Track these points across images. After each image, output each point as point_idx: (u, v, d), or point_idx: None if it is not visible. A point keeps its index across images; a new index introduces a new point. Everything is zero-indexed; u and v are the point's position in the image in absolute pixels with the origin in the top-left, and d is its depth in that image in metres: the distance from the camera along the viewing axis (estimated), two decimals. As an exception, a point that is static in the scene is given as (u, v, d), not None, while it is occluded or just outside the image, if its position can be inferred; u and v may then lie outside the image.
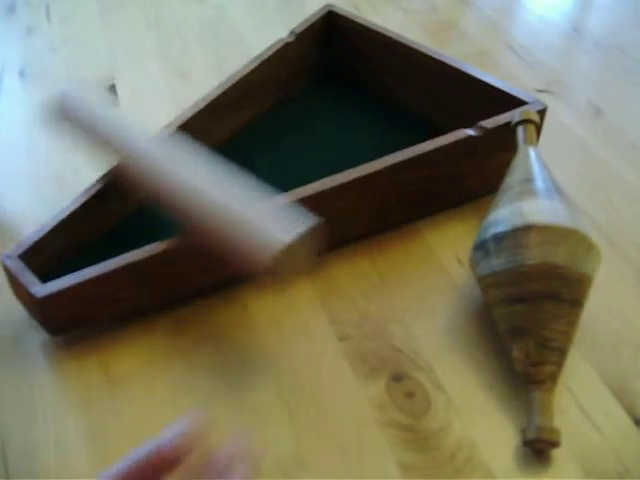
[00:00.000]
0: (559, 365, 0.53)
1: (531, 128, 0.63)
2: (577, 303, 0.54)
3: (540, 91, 0.86)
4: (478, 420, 0.54)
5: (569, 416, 0.54)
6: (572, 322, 0.53)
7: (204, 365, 0.58)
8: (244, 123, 0.79)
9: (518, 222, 0.54)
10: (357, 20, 0.81)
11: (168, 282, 0.60)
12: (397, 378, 0.56)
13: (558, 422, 0.53)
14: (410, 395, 0.55)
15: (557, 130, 0.81)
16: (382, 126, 0.78)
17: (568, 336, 0.53)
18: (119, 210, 0.67)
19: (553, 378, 0.52)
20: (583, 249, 0.54)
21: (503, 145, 0.67)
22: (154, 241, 0.58)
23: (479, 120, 0.66)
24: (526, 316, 0.53)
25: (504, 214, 0.56)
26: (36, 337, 0.60)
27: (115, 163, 0.62)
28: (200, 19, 1.04)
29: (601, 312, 0.61)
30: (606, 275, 0.64)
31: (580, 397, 0.55)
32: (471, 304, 0.62)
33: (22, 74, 0.93)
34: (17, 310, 0.61)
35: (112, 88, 0.90)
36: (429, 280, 0.64)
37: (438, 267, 0.65)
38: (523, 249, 0.54)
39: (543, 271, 0.53)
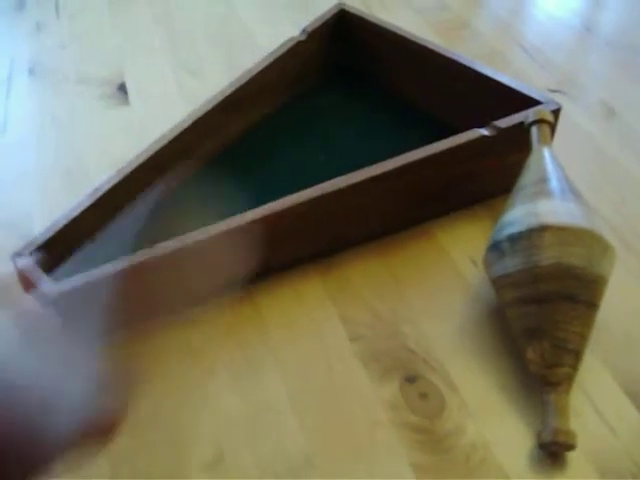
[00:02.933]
0: (574, 367, 0.52)
1: (545, 128, 0.63)
2: (592, 304, 0.53)
3: (552, 91, 0.86)
4: (492, 421, 0.53)
5: (584, 417, 0.53)
6: (587, 323, 0.53)
7: (214, 363, 0.58)
8: (257, 120, 0.79)
9: (533, 223, 0.54)
10: (369, 19, 0.80)
11: (178, 282, 0.60)
12: (411, 379, 0.56)
13: (573, 423, 0.52)
14: (424, 396, 0.55)
15: (570, 130, 0.80)
16: (394, 125, 0.78)
17: (583, 337, 0.53)
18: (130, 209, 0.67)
19: (569, 380, 0.52)
20: (599, 250, 0.53)
21: (517, 145, 0.66)
22: (165, 240, 0.58)
23: (493, 119, 0.65)
24: (541, 317, 0.52)
25: (519, 214, 0.56)
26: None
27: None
28: (209, 16, 1.04)
29: (616, 313, 0.60)
30: (620, 276, 0.63)
31: (595, 398, 0.54)
32: (485, 305, 0.61)
33: (31, 71, 0.93)
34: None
35: (122, 85, 0.90)
36: (442, 280, 0.64)
37: (451, 267, 0.65)
38: (538, 249, 0.53)
39: (559, 272, 0.52)
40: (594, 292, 0.53)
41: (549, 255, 0.53)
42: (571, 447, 0.50)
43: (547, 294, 0.52)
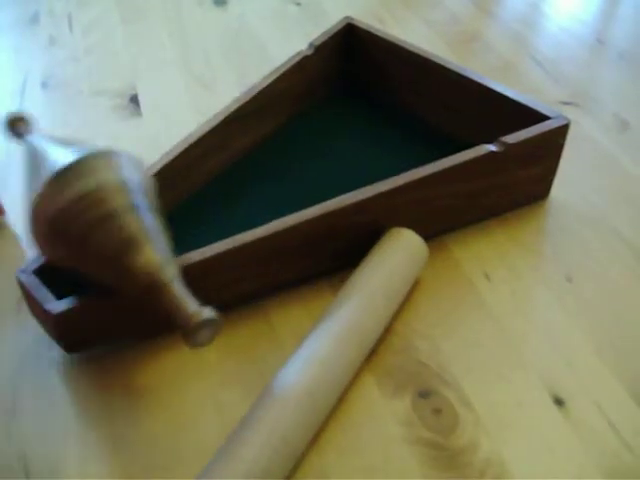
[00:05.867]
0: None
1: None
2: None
3: (565, 103, 0.86)
4: (507, 437, 0.53)
5: (594, 430, 0.53)
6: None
7: (228, 379, 0.57)
8: (263, 135, 0.78)
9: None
10: (377, 33, 0.80)
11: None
12: (424, 394, 0.55)
13: (586, 438, 0.52)
14: (437, 412, 0.54)
15: (583, 143, 0.80)
16: (401, 140, 0.77)
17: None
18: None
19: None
20: None
21: (526, 160, 0.66)
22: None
23: (501, 135, 0.65)
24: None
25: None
26: (56, 352, 0.60)
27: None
28: (222, 29, 1.04)
29: (630, 326, 0.60)
30: (635, 288, 0.63)
31: (605, 408, 0.54)
32: (498, 319, 0.61)
33: (44, 84, 0.94)
34: (36, 324, 0.61)
35: (134, 98, 0.90)
36: (455, 295, 0.63)
37: (465, 282, 0.64)
38: None
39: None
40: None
41: None
42: (211, 321, 0.50)
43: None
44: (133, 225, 0.51)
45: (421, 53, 0.77)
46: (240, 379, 0.57)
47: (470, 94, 0.73)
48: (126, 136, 0.83)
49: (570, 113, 0.84)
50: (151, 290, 0.51)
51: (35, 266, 0.58)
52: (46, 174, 0.52)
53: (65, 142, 0.57)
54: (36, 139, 0.60)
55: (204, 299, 0.61)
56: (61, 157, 0.53)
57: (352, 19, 0.83)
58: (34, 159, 0.56)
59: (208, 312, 0.49)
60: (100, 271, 0.53)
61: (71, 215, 0.51)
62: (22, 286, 0.57)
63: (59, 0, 1.14)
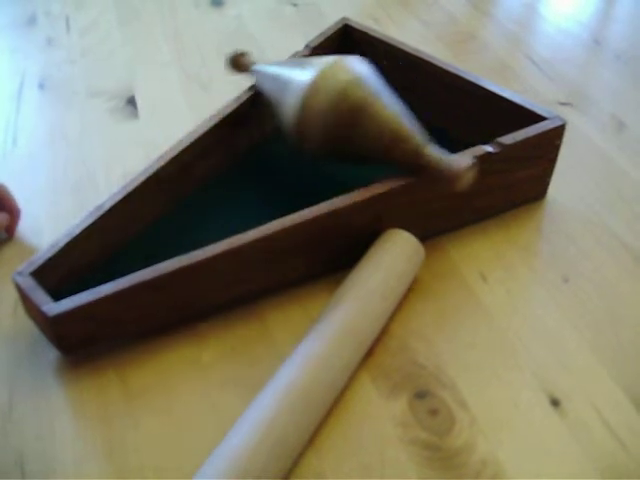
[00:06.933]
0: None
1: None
2: None
3: (562, 104, 0.86)
4: (503, 438, 0.53)
5: (592, 432, 0.53)
6: None
7: (225, 380, 0.57)
8: (262, 136, 0.78)
9: None
10: (373, 34, 0.81)
11: (185, 299, 0.60)
12: (420, 395, 0.56)
13: (582, 439, 0.52)
14: (434, 413, 0.54)
15: (580, 144, 0.80)
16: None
17: None
18: (132, 227, 0.67)
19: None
20: None
21: (522, 161, 0.66)
22: (169, 258, 0.58)
23: (497, 136, 0.65)
24: None
25: None
26: (52, 354, 0.60)
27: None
28: (219, 30, 1.04)
29: (626, 327, 0.60)
30: (633, 289, 0.63)
31: (603, 411, 0.54)
32: (494, 319, 0.61)
33: (41, 86, 0.94)
34: (32, 326, 0.61)
35: (131, 100, 0.90)
36: (452, 296, 0.63)
37: (461, 282, 0.64)
38: None
39: None
40: None
41: None
42: (471, 165, 0.60)
43: None
44: (383, 106, 0.62)
45: (418, 54, 0.77)
46: (237, 380, 0.57)
47: (467, 95, 0.73)
48: (123, 137, 0.83)
49: (567, 114, 0.84)
50: (417, 152, 0.61)
51: (32, 268, 0.58)
52: (306, 78, 0.64)
53: (294, 62, 0.68)
54: (264, 68, 0.71)
55: (201, 300, 0.61)
56: (316, 65, 0.64)
57: (349, 20, 0.83)
58: (275, 80, 0.68)
59: (467, 159, 0.60)
60: (369, 145, 0.63)
61: (338, 103, 0.62)
62: (19, 288, 0.57)
63: (56, 1, 1.14)
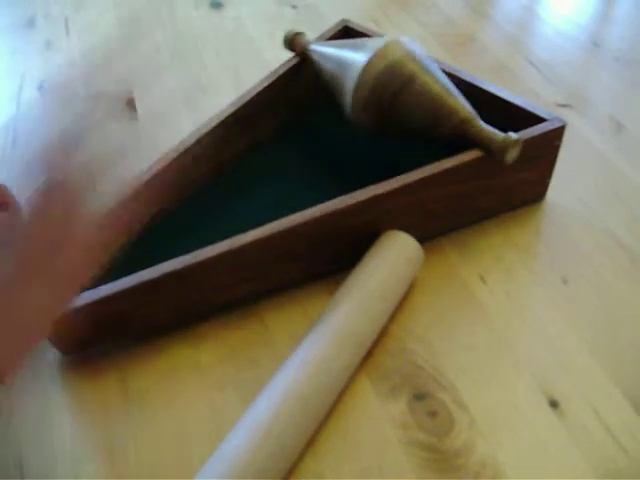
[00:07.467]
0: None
1: None
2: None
3: (561, 106, 0.86)
4: (502, 439, 0.53)
5: (593, 435, 0.53)
6: None
7: (224, 382, 0.57)
8: (261, 137, 0.78)
9: None
10: (373, 35, 0.80)
11: (185, 299, 0.60)
12: (419, 397, 0.56)
13: (581, 440, 0.52)
14: (433, 414, 0.54)
15: (579, 145, 0.80)
16: (397, 142, 0.77)
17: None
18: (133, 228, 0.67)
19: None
20: None
21: (521, 162, 0.66)
22: (169, 258, 0.58)
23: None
24: None
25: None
26: (52, 354, 0.60)
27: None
28: (218, 32, 1.04)
29: (625, 329, 0.60)
30: (630, 290, 0.63)
31: (603, 414, 0.54)
32: (493, 321, 0.61)
33: (41, 88, 0.94)
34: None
35: (130, 102, 0.90)
36: (451, 297, 0.63)
37: (460, 283, 0.64)
38: None
39: None
40: None
41: None
42: (517, 141, 0.62)
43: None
44: (433, 80, 0.65)
45: (417, 56, 0.77)
46: (236, 381, 0.57)
47: (466, 96, 0.73)
48: (123, 140, 0.83)
49: (566, 115, 0.84)
50: (464, 125, 0.64)
51: None
52: (359, 58, 0.67)
53: (350, 43, 0.71)
54: (320, 47, 0.74)
55: (200, 301, 0.61)
56: (371, 45, 0.67)
57: (348, 22, 0.83)
58: (334, 58, 0.71)
59: (514, 135, 0.62)
60: (419, 118, 0.65)
61: (385, 81, 0.65)
62: None
63: (56, 4, 1.14)
